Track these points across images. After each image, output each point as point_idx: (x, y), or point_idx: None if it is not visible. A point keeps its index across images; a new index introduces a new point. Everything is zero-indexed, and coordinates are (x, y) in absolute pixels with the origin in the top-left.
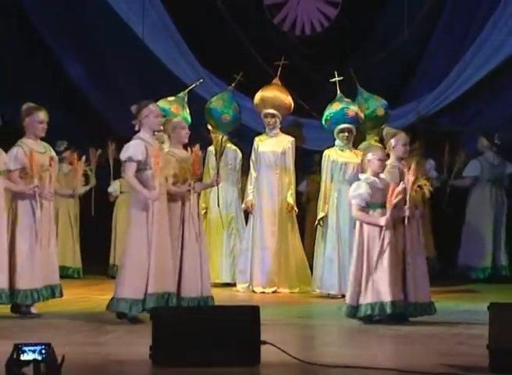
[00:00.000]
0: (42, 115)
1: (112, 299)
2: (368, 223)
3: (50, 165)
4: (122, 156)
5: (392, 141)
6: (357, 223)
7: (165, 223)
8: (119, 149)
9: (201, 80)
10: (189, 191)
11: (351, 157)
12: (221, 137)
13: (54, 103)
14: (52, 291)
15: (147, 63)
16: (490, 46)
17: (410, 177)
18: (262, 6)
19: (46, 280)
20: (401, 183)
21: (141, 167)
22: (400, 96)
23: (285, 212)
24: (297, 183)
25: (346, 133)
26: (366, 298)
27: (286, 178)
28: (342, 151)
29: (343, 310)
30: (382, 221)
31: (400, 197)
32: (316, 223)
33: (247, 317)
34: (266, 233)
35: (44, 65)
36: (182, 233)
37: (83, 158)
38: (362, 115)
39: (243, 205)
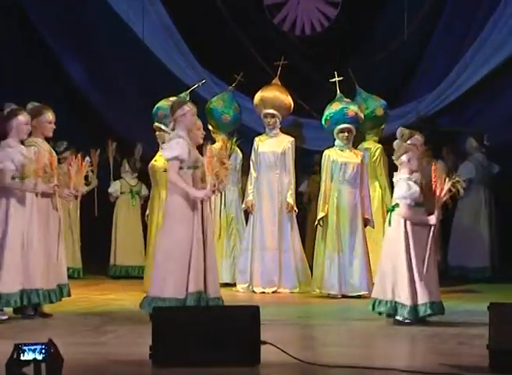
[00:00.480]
0: (51, 115)
1: (152, 299)
2: (417, 223)
3: (70, 165)
4: (169, 154)
5: (410, 142)
6: (399, 223)
7: (200, 221)
8: (118, 149)
9: (204, 81)
10: (213, 191)
11: (351, 157)
12: (231, 139)
13: (54, 103)
14: (61, 291)
15: (147, 63)
16: (490, 46)
17: (441, 178)
18: (262, 6)
19: (57, 280)
20: (446, 181)
21: (182, 165)
22: (399, 96)
23: (285, 212)
24: (298, 184)
25: (346, 133)
26: (423, 298)
27: (286, 178)
28: (342, 151)
29: (404, 314)
30: (432, 220)
31: (447, 196)
32: (316, 223)
33: (247, 317)
34: (266, 233)
35: (44, 65)
36: (203, 233)
37: (87, 158)
38: (362, 115)
39: (244, 205)
